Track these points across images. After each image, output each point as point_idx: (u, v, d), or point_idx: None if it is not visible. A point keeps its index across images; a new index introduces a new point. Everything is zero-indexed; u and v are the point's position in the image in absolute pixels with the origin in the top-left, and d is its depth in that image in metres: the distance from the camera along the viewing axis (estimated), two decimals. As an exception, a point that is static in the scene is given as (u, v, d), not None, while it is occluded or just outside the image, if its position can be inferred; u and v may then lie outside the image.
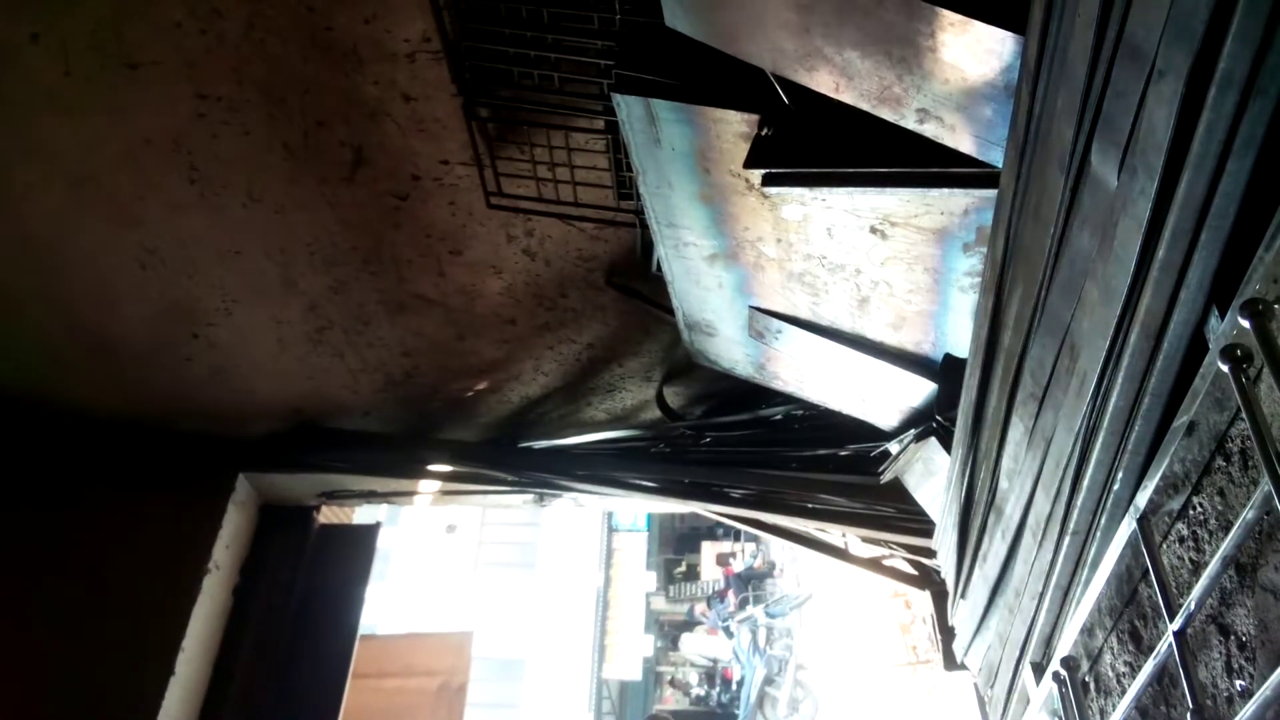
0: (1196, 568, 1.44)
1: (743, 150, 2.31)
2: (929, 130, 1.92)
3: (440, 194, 3.05)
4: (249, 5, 2.46)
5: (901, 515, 3.40)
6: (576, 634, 19.27)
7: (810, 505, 3.57)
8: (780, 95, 2.18)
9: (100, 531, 3.83)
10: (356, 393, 3.90)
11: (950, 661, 3.18)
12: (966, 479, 2.39)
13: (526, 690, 18.70)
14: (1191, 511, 1.41)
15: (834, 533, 3.81)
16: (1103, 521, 1.64)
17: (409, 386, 3.90)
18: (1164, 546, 1.49)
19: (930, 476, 2.96)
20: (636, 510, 18.58)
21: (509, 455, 4.05)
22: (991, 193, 1.98)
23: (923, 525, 3.26)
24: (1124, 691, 1.67)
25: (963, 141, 1.91)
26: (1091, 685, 1.91)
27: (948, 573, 2.84)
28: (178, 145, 2.81)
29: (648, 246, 3.10)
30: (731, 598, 16.82)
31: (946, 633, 3.08)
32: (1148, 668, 1.53)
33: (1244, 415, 1.13)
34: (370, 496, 4.41)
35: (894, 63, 1.82)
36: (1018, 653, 2.25)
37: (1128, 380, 1.42)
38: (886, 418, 3.05)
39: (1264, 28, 1.00)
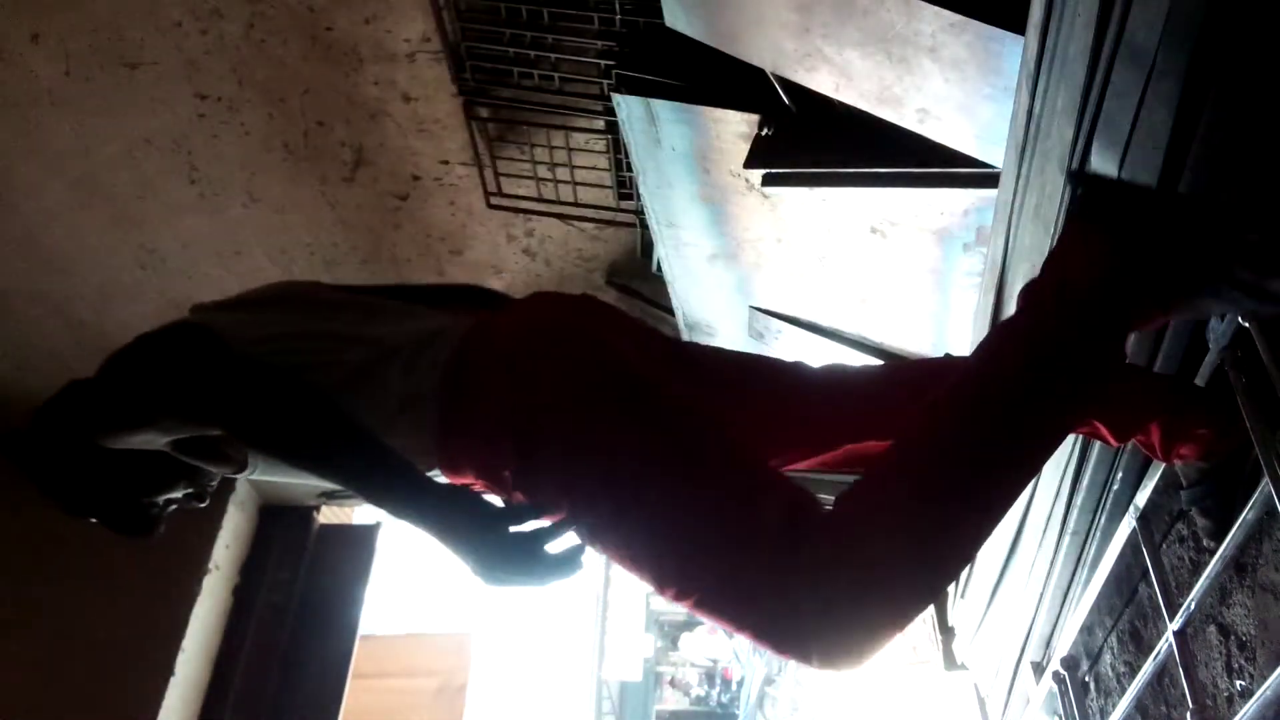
0: (1196, 567, 1.44)
1: (743, 150, 2.31)
2: (929, 130, 1.92)
3: (440, 194, 3.05)
4: (249, 5, 2.46)
5: (901, 515, 3.39)
6: (576, 634, 19.25)
7: (810, 505, 3.56)
8: (780, 95, 2.18)
9: (99, 532, 3.83)
10: (356, 393, 3.90)
11: (950, 661, 3.17)
12: (966, 479, 2.39)
13: (526, 690, 18.68)
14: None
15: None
16: (1102, 521, 1.64)
17: (409, 386, 3.91)
18: (1164, 546, 1.50)
19: (930, 476, 2.96)
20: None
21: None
22: (992, 192, 1.97)
23: (923, 525, 3.26)
24: (1124, 691, 1.67)
25: (963, 141, 1.91)
26: (1091, 685, 1.91)
27: (948, 573, 2.84)
28: (178, 145, 2.81)
29: (648, 246, 3.10)
30: (732, 598, 16.77)
31: (946, 633, 3.07)
32: (1147, 667, 1.53)
33: (1245, 415, 1.13)
34: (370, 496, 4.40)
35: (894, 62, 1.82)
36: (1017, 652, 2.25)
37: (1128, 380, 1.42)
38: (886, 418, 3.05)
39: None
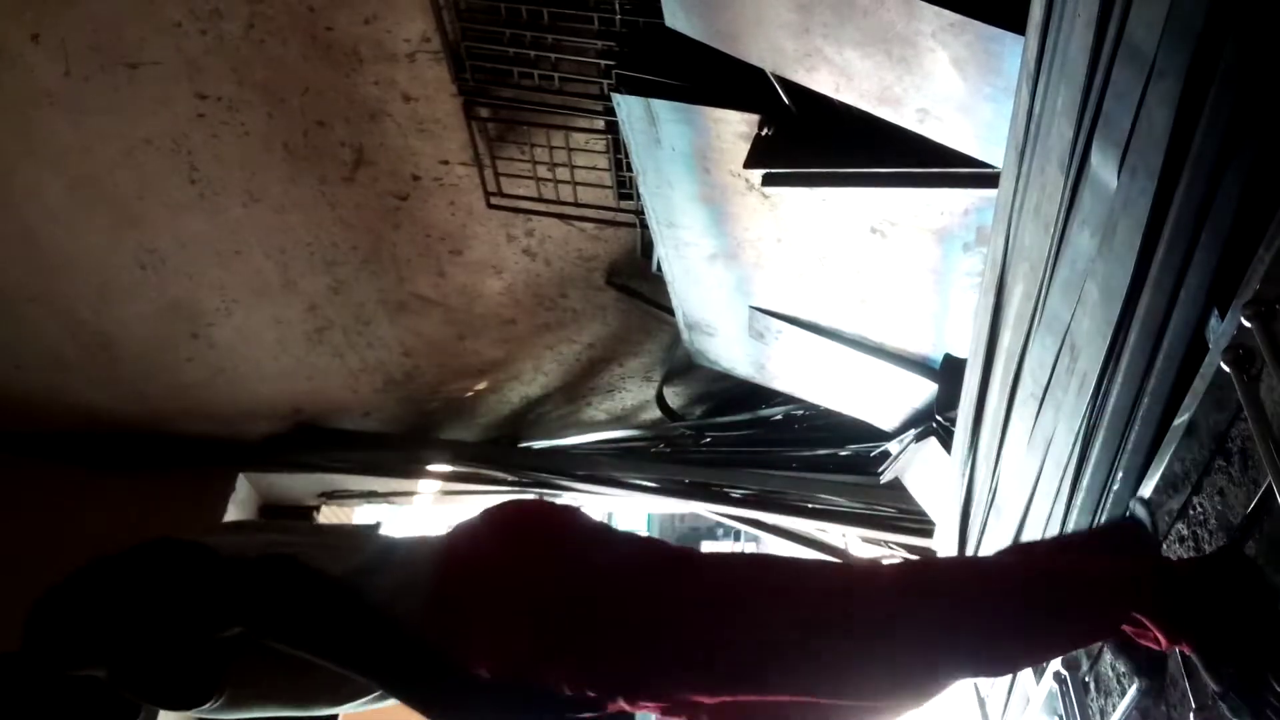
0: (1197, 567, 1.44)
1: (743, 150, 2.31)
2: (929, 130, 1.92)
3: (440, 194, 3.05)
4: (249, 5, 2.46)
5: (901, 515, 3.40)
6: (576, 634, 19.24)
7: (810, 505, 3.57)
8: (780, 95, 2.18)
9: (100, 532, 3.83)
10: (356, 393, 3.90)
11: (950, 661, 3.17)
12: (966, 479, 2.39)
13: (526, 690, 18.66)
14: (1191, 511, 1.41)
15: (834, 533, 3.81)
16: (1102, 521, 1.64)
17: (409, 386, 3.90)
18: (1164, 546, 1.49)
19: (930, 476, 2.96)
20: (636, 510, 18.61)
21: (509, 455, 4.04)
22: (992, 192, 1.98)
23: (922, 525, 3.26)
24: (1124, 692, 1.67)
25: (963, 141, 1.92)
26: (1092, 685, 1.91)
27: (948, 573, 2.84)
28: (178, 145, 2.81)
29: (648, 246, 3.10)
30: (731, 598, 16.77)
31: (947, 632, 3.07)
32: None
33: (1245, 415, 1.13)
34: (370, 497, 4.40)
35: (894, 62, 1.82)
36: (1018, 653, 2.25)
37: (1128, 380, 1.42)
38: (886, 418, 3.05)
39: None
